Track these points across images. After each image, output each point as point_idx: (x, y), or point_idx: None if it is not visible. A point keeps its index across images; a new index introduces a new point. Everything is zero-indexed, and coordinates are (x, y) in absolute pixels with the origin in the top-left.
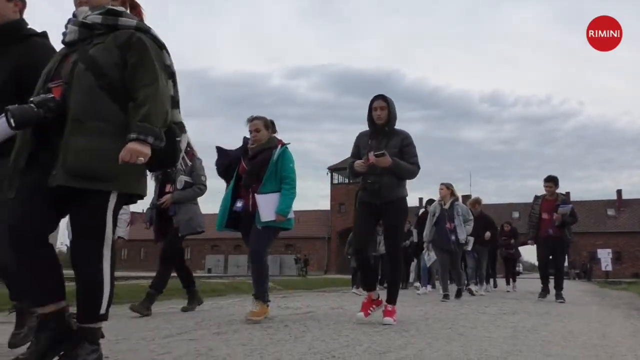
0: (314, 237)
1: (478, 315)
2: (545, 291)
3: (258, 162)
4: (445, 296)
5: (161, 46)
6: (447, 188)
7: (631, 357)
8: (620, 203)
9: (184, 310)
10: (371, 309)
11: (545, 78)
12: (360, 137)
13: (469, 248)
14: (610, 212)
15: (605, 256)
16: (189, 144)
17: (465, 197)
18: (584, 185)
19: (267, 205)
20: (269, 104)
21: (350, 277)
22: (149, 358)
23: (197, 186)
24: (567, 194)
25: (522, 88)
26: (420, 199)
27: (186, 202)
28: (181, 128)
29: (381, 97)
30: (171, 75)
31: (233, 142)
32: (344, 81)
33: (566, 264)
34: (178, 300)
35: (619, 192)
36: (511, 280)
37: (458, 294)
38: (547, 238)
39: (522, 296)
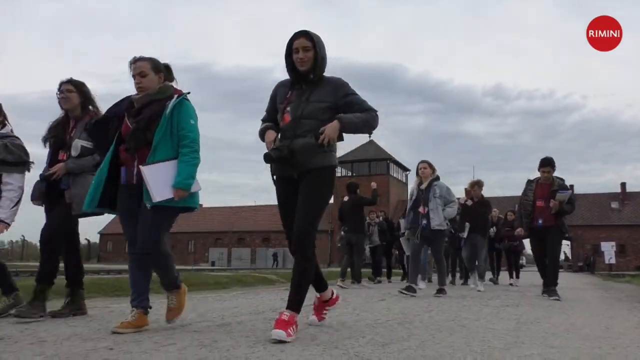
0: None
1: (481, 307)
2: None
3: (144, 117)
4: (408, 288)
5: None
6: (430, 167)
7: (634, 349)
8: (624, 196)
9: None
10: (325, 311)
11: (548, 72)
12: (278, 88)
13: (464, 235)
14: (614, 205)
15: (608, 249)
16: (91, 101)
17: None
18: (588, 179)
19: (158, 180)
20: None
21: (349, 270)
22: (153, 349)
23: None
24: (571, 186)
25: (526, 82)
26: None
27: (85, 174)
28: None
29: (304, 33)
30: None
31: (235, 137)
32: (346, 75)
33: (562, 257)
34: None
35: (622, 185)
36: (514, 274)
37: (439, 292)
38: (540, 227)
39: (526, 289)
